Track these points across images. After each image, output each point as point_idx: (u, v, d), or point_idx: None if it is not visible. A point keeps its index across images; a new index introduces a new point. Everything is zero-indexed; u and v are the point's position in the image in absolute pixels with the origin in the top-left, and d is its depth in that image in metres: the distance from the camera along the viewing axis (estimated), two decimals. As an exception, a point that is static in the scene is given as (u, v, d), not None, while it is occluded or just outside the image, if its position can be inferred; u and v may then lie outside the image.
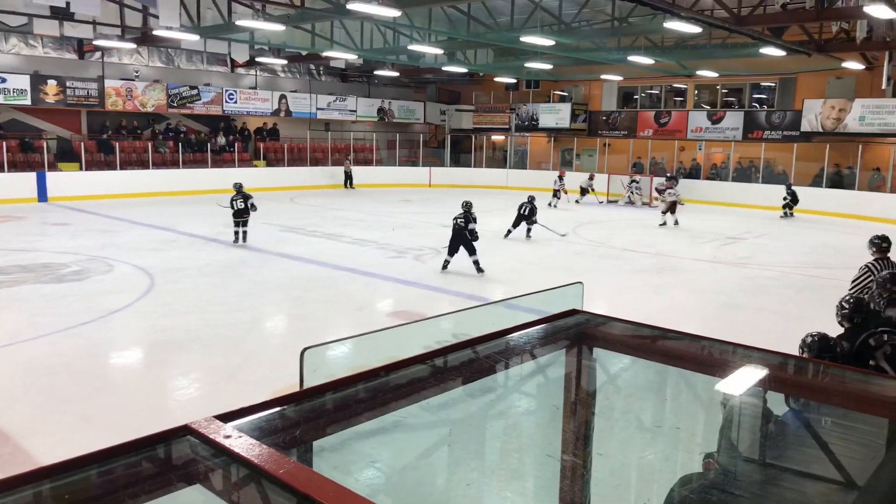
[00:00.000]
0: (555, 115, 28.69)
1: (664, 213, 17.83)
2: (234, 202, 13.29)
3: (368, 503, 0.99)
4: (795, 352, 3.91)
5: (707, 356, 2.10)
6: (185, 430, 1.21)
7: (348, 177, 26.89)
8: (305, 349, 1.64)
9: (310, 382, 1.56)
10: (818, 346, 3.82)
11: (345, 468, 1.61)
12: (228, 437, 1.18)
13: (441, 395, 1.72)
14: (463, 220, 11.15)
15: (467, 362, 1.86)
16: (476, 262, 11.21)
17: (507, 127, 29.99)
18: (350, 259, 12.16)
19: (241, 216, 13.27)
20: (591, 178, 24.12)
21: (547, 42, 17.82)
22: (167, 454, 1.20)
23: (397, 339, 2.36)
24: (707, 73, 23.63)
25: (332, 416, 1.47)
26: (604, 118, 28.35)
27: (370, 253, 12.91)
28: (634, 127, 27.36)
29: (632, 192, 23.55)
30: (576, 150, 28.83)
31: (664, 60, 21.45)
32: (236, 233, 13.34)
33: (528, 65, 23.53)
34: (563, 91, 29.80)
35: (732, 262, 12.90)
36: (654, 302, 9.73)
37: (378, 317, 8.76)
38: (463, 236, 11.14)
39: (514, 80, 29.38)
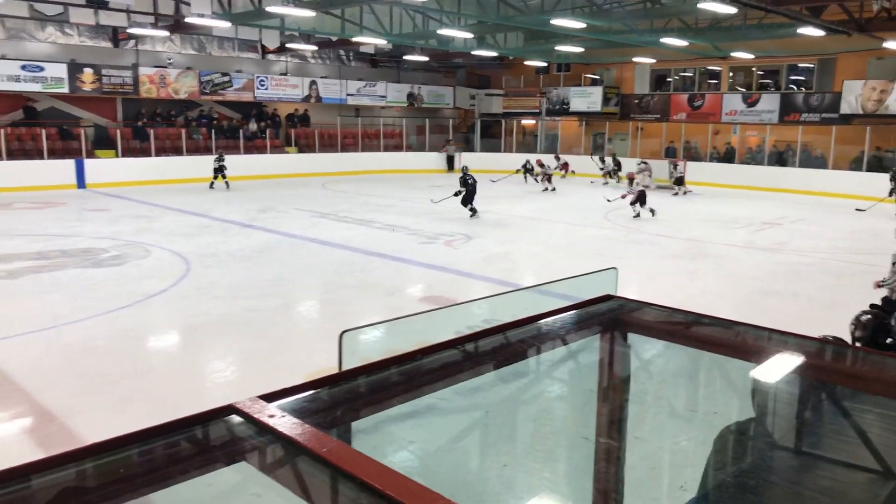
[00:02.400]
0: (586, 98, 28.39)
1: (633, 204, 15.77)
2: (215, 161, 20.62)
3: (409, 481, 1.01)
4: (840, 335, 3.85)
5: (744, 342, 2.08)
6: (230, 410, 1.25)
7: (451, 160, 27.86)
8: (344, 332, 1.67)
9: (348, 364, 1.59)
10: (874, 325, 3.67)
11: (381, 450, 1.64)
12: (272, 416, 1.22)
13: (475, 379, 1.74)
14: (473, 180, 15.70)
15: (501, 347, 1.87)
16: (474, 209, 15.66)
17: (537, 111, 29.77)
18: (381, 244, 12.24)
19: (217, 172, 20.53)
20: (556, 157, 25.25)
21: (578, 25, 17.63)
22: (213, 432, 1.24)
23: (430, 324, 2.38)
24: (742, 55, 23.15)
25: (371, 397, 1.50)
26: (636, 101, 27.97)
27: (401, 238, 12.98)
28: (667, 110, 26.95)
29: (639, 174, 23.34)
30: (608, 134, 28.53)
31: (698, 42, 21.07)
32: (212, 183, 20.57)
33: (559, 48, 23.31)
34: (594, 74, 29.45)
35: (767, 248, 12.69)
36: (686, 288, 9.64)
37: (409, 302, 8.82)
38: (475, 191, 15.67)
39: (544, 64, 29.11)
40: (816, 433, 2.32)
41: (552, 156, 25.99)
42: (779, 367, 2.11)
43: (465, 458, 2.20)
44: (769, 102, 24.28)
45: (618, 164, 24.35)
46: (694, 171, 23.55)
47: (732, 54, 23.33)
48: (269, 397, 1.30)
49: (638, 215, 15.72)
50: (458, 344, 1.81)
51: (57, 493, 1.16)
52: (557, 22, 17.23)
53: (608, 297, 2.21)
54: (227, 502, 1.30)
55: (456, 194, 15.80)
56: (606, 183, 22.88)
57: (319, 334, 7.64)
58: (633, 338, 2.25)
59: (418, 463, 1.85)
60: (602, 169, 24.39)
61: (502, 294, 6.71)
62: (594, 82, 29.16)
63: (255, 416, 1.21)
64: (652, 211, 15.74)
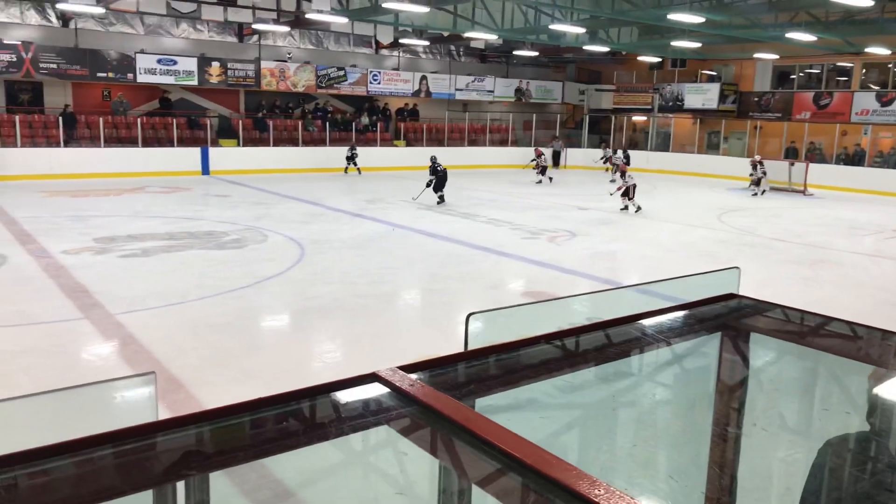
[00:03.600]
0: (702, 95, 27.34)
1: (622, 196, 15.92)
2: (348, 151, 23.09)
3: (545, 452, 1.07)
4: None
5: (883, 350, 1.99)
6: (373, 377, 1.36)
7: (556, 156, 28.20)
8: (470, 314, 1.75)
9: (473, 345, 1.67)
10: None
11: (508, 425, 1.71)
12: (412, 385, 1.31)
13: (611, 364, 1.77)
14: (442, 168, 16.62)
15: (630, 340, 1.90)
16: (443, 196, 16.62)
17: (649, 107, 28.95)
18: (484, 238, 12.34)
19: (349, 161, 23.01)
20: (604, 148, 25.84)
21: (697, 19, 17.00)
22: (358, 397, 1.35)
23: (534, 317, 2.41)
24: (877, 51, 21.55)
25: (498, 377, 1.58)
26: (755, 99, 26.66)
27: (504, 233, 13.03)
28: (790, 109, 25.53)
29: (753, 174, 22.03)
30: (723, 132, 27.36)
31: (828, 37, 19.80)
32: (346, 169, 23.13)
33: (675, 43, 22.55)
34: (711, 70, 28.30)
35: (898, 258, 11.82)
36: (803, 295, 9.14)
37: (510, 296, 8.85)
38: (445, 179, 16.62)
39: (658, 59, 28.25)
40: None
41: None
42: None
43: (595, 436, 2.23)
44: (907, 102, 22.51)
45: (627, 157, 23.61)
46: (817, 173, 22.19)
47: (866, 50, 21.76)
48: (408, 368, 1.39)
49: (625, 208, 15.96)
50: (583, 332, 1.84)
51: (217, 440, 1.30)
52: (675, 17, 16.68)
53: (731, 296, 2.17)
54: (377, 458, 1.41)
55: (428, 184, 16.60)
56: (614, 180, 22.36)
57: (423, 322, 7.84)
58: (757, 340, 2.19)
59: (547, 438, 1.90)
60: (603, 160, 24.46)
61: (607, 290, 6.62)
62: (711, 79, 28.02)
63: (397, 383, 1.30)
64: (638, 207, 15.81)
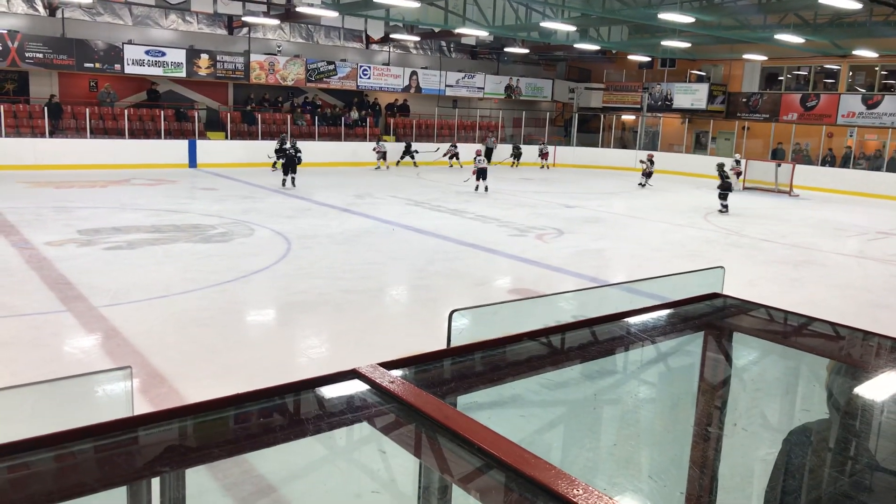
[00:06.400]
0: (691, 95, 27.48)
1: (477, 179, 18.40)
2: (277, 144, 20.24)
3: (525, 451, 1.06)
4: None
5: (865, 351, 2.00)
6: (353, 374, 1.34)
7: (489, 153, 27.98)
8: (454, 311, 1.74)
9: (456, 341, 1.66)
10: None
11: (489, 423, 1.70)
12: (392, 382, 1.30)
13: (595, 362, 1.77)
14: (293, 150, 18.13)
15: (614, 339, 1.89)
16: (293, 178, 18.07)
17: (638, 106, 29.05)
18: (472, 235, 12.33)
19: (279, 155, 19.45)
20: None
21: (687, 19, 17.06)
22: (337, 393, 1.34)
23: (518, 315, 2.40)
24: (865, 53, 21.73)
25: (481, 375, 1.57)
26: (744, 100, 26.81)
27: (492, 230, 13.02)
28: (777, 110, 25.70)
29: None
30: (711, 132, 27.51)
31: (816, 39, 19.95)
32: (273, 164, 20.68)
33: (665, 43, 22.64)
34: (700, 70, 28.43)
35: (883, 259, 11.93)
36: (789, 295, 9.21)
37: (497, 293, 8.86)
38: (295, 161, 18.06)
39: (648, 59, 28.35)
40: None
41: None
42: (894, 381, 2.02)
43: (578, 434, 2.23)
44: (893, 104, 22.70)
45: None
46: (803, 174, 22.37)
47: (854, 52, 21.94)
48: (388, 365, 1.38)
49: (476, 189, 18.38)
50: (566, 329, 1.83)
51: (197, 435, 1.28)
52: (665, 16, 16.73)
53: (715, 296, 2.17)
54: (354, 456, 1.39)
55: (287, 168, 18.25)
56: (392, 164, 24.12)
57: (409, 318, 7.81)
58: (740, 339, 2.20)
59: (530, 436, 1.89)
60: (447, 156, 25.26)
61: (593, 288, 6.63)
62: (700, 79, 28.16)
63: (377, 380, 1.29)
64: (486, 188, 18.32)
